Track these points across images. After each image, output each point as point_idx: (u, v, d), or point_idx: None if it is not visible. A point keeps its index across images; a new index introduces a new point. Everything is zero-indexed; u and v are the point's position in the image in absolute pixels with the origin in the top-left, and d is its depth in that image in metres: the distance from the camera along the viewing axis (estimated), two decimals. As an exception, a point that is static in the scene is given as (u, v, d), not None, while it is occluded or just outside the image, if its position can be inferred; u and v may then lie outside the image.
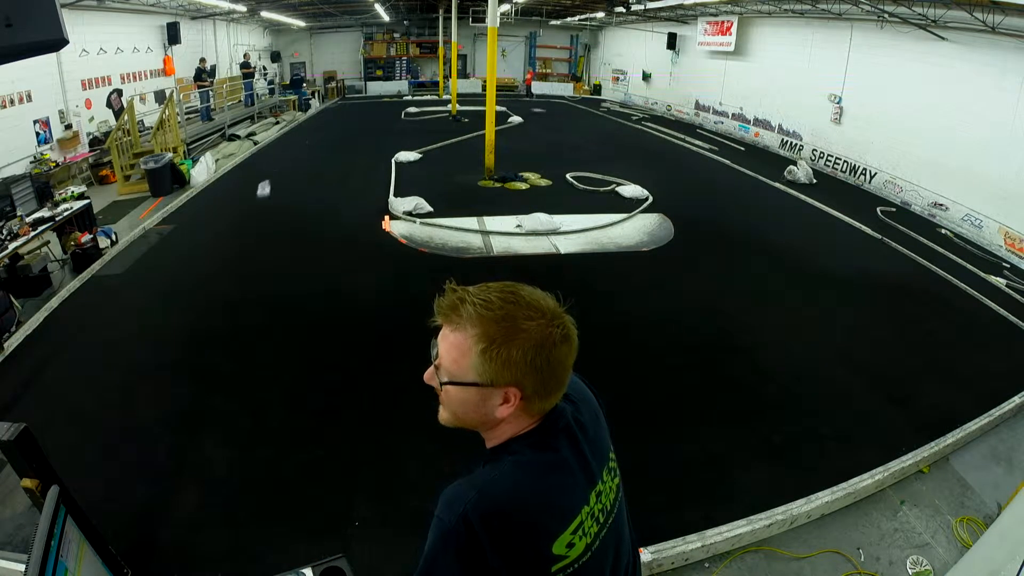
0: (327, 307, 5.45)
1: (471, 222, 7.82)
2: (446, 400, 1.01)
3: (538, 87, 25.14)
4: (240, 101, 16.43)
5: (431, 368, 1.02)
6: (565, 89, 25.36)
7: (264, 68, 20.49)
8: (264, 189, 7.16)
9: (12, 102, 8.41)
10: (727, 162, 12.36)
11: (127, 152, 9.50)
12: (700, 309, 5.66)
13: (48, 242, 6.26)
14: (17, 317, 5.00)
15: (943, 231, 8.72)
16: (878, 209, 9.39)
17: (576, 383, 1.14)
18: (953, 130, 9.03)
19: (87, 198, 6.94)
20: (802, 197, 9.88)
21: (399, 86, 24.94)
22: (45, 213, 6.15)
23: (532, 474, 0.96)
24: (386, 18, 22.18)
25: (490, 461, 1.02)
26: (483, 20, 17.73)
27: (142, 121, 11.00)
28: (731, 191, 10.29)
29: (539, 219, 7.61)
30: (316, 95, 21.24)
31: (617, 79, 23.27)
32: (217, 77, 15.85)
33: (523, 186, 9.86)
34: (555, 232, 7.49)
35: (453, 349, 0.95)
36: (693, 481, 3.41)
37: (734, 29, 14.72)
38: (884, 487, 3.47)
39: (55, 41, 1.55)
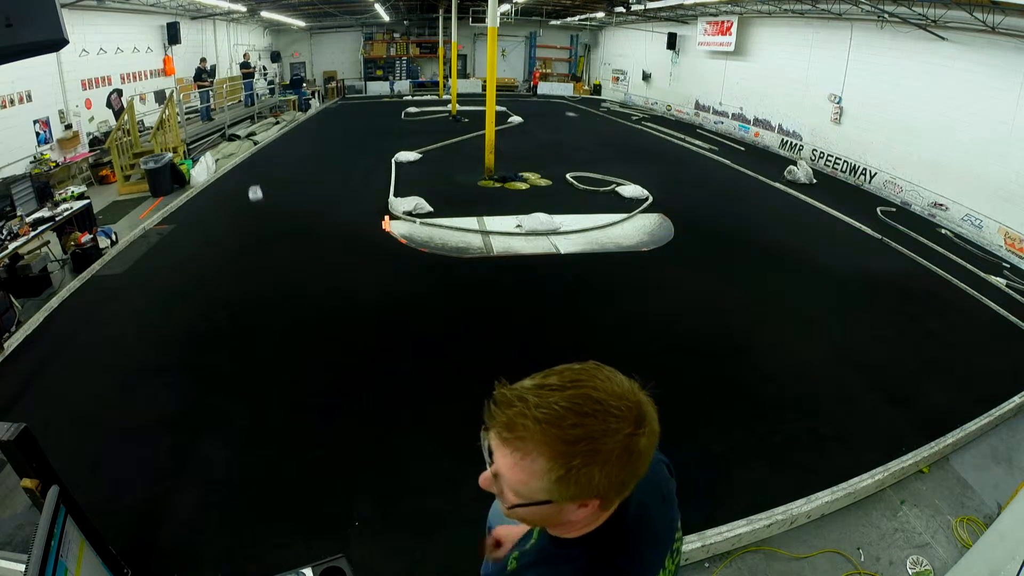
0: (327, 307, 5.45)
1: (471, 222, 7.82)
2: (513, 514, 0.86)
3: (540, 87, 25.20)
4: (240, 101, 16.43)
5: (487, 474, 0.86)
6: (565, 89, 25.37)
7: (264, 68, 20.49)
8: (256, 193, 7.03)
9: (12, 102, 8.41)
10: (727, 162, 12.36)
11: (127, 152, 9.50)
12: (700, 309, 5.66)
13: (48, 242, 6.26)
14: (17, 317, 5.00)
15: (943, 231, 8.72)
16: (878, 209, 9.39)
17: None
18: (953, 130, 9.03)
19: (87, 198, 6.94)
20: (802, 197, 9.88)
21: (399, 86, 24.95)
22: (45, 213, 6.15)
23: None
24: (386, 18, 22.17)
25: (545, 555, 0.95)
26: (483, 20, 17.74)
27: (142, 121, 11.01)
28: (731, 191, 10.29)
29: (539, 219, 7.61)
30: (316, 95, 21.24)
31: (617, 79, 23.27)
32: (217, 77, 15.85)
33: (523, 186, 9.86)
34: (555, 232, 7.49)
35: (518, 471, 0.80)
36: (693, 481, 3.40)
37: (734, 29, 14.72)
38: (884, 487, 3.47)
39: (55, 41, 1.55)
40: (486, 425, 0.83)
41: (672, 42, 18.09)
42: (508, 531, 1.43)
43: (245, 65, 17.38)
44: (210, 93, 14.40)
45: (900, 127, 10.15)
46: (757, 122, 14.76)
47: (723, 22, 15.12)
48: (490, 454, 0.84)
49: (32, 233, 5.68)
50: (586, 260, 6.82)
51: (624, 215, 8.24)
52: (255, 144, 13.29)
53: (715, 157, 12.89)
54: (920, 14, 9.01)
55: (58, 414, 3.77)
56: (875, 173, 10.79)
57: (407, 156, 11.54)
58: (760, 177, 11.07)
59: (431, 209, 8.06)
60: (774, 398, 4.29)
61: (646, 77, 20.70)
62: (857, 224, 8.47)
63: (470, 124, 15.42)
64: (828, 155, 12.14)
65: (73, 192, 7.21)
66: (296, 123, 16.53)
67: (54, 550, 1.53)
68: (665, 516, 1.02)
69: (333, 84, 23.74)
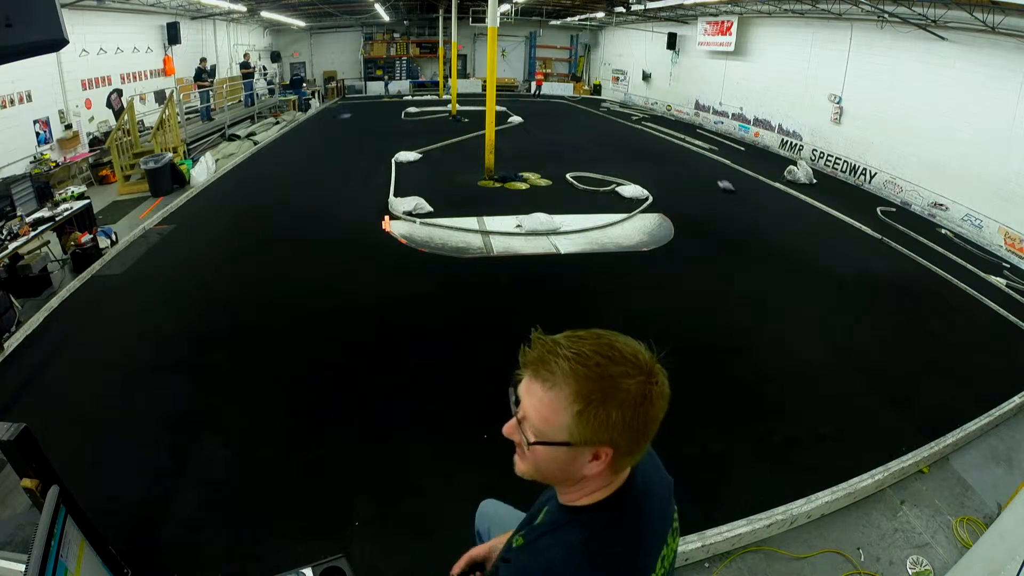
0: (327, 307, 5.45)
1: (471, 222, 7.82)
2: (530, 456, 0.94)
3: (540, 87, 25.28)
4: (240, 101, 16.43)
5: (512, 421, 0.95)
6: (565, 89, 25.38)
7: (264, 68, 20.48)
8: (345, 115, 6.98)
9: (12, 102, 8.41)
10: (727, 162, 12.36)
11: (127, 152, 9.50)
12: (700, 309, 5.66)
13: (48, 242, 6.26)
14: (17, 317, 5.00)
15: (943, 231, 8.72)
16: (878, 209, 9.39)
17: None
18: (953, 130, 9.03)
19: (87, 198, 6.93)
20: (802, 197, 9.88)
21: (398, 86, 24.96)
22: (45, 213, 6.15)
23: (601, 554, 0.92)
24: (386, 18, 22.17)
25: (557, 522, 0.99)
26: (483, 20, 17.73)
27: (142, 121, 11.00)
28: (731, 191, 10.27)
29: (539, 219, 7.61)
30: (316, 95, 21.24)
31: (617, 79, 23.27)
32: (217, 77, 15.85)
33: (523, 186, 9.86)
34: (555, 232, 7.49)
35: (544, 407, 0.89)
36: (693, 481, 3.41)
37: (734, 29, 14.72)
38: (884, 487, 3.47)
39: (55, 41, 1.55)
40: (514, 379, 0.95)
41: (672, 42, 18.09)
42: (483, 551, 1.46)
43: (245, 65, 17.38)
44: (210, 93, 14.40)
45: (900, 127, 10.15)
46: (757, 122, 14.76)
47: (723, 22, 15.12)
48: (517, 404, 0.94)
49: (32, 233, 5.68)
50: (586, 260, 6.82)
51: (624, 215, 8.24)
52: (255, 144, 13.29)
53: (715, 157, 12.89)
54: (920, 14, 9.01)
55: (58, 414, 3.76)
56: (875, 173, 10.79)
57: (407, 156, 11.54)
58: (760, 177, 11.07)
59: (431, 209, 8.06)
60: (774, 398, 4.29)
61: (646, 77, 20.70)
62: (857, 224, 8.47)
63: (470, 124, 15.42)
64: (828, 155, 12.14)
65: (73, 192, 7.21)
66: (296, 123, 16.53)
67: (54, 550, 1.53)
68: (665, 495, 1.09)
69: (333, 84, 23.74)
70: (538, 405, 0.89)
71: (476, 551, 1.47)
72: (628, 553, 0.95)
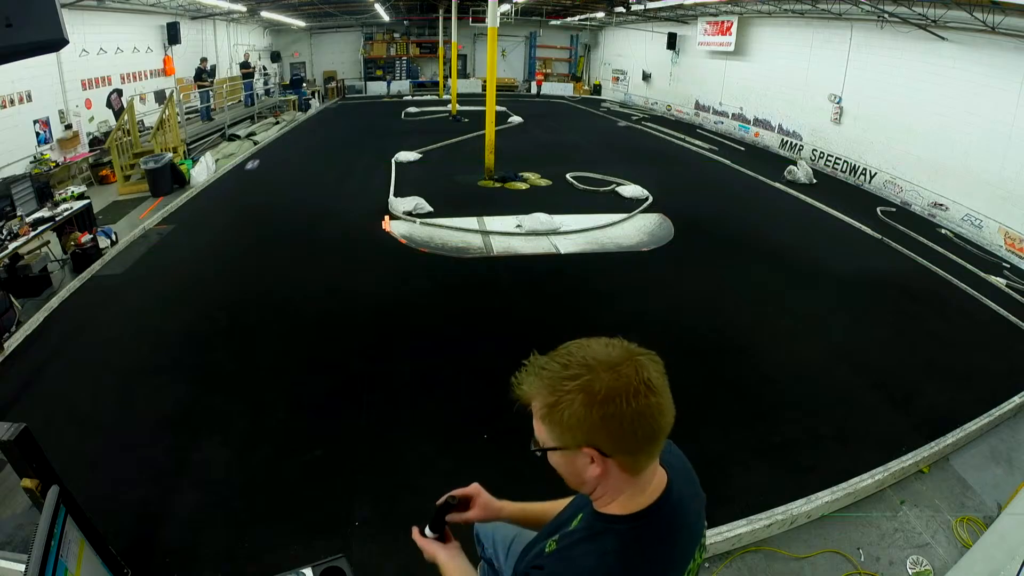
0: (327, 307, 5.45)
1: (471, 222, 7.82)
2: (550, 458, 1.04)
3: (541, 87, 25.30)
4: (240, 101, 16.43)
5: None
6: (565, 89, 25.38)
7: (264, 68, 20.48)
8: (253, 164, 6.91)
9: (12, 102, 8.40)
10: (727, 162, 12.36)
11: (127, 152, 9.50)
12: (700, 309, 5.66)
13: (48, 242, 6.26)
14: (17, 317, 5.00)
15: (943, 231, 8.72)
16: (878, 209, 9.39)
17: (680, 457, 1.21)
18: (953, 130, 9.03)
19: (87, 198, 6.93)
20: (802, 197, 9.88)
21: (399, 86, 24.97)
22: (45, 213, 6.15)
23: (634, 565, 0.96)
24: (386, 18, 22.17)
25: (592, 529, 1.02)
26: (483, 20, 17.74)
27: (142, 121, 11.00)
28: (731, 191, 10.29)
29: (539, 219, 7.61)
30: (316, 95, 21.24)
31: (617, 79, 23.27)
32: (217, 77, 15.85)
33: (523, 186, 9.86)
34: (555, 232, 7.49)
35: (534, 420, 1.00)
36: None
37: (734, 29, 14.72)
38: (884, 487, 3.47)
39: (55, 41, 1.55)
40: None
41: (672, 42, 18.08)
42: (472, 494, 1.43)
43: (245, 65, 17.39)
44: (210, 93, 14.40)
45: (900, 127, 10.15)
46: (757, 122, 14.76)
47: (723, 22, 15.12)
48: None
49: (32, 233, 5.67)
50: (586, 260, 6.82)
51: (624, 215, 8.24)
52: (255, 144, 13.29)
53: (715, 157, 12.89)
54: (920, 14, 9.01)
55: (58, 414, 3.77)
56: (875, 173, 10.79)
57: (407, 156, 11.54)
58: (760, 177, 11.07)
59: (431, 209, 8.06)
60: (774, 398, 4.29)
61: (646, 77, 20.69)
62: (857, 224, 8.46)
63: (470, 124, 15.42)
64: (828, 155, 12.14)
65: (73, 192, 7.21)
66: (296, 123, 16.53)
67: (54, 550, 1.53)
68: (698, 510, 1.14)
69: (333, 84, 23.74)
70: (534, 421, 0.99)
71: (467, 491, 1.46)
72: (660, 566, 0.99)
